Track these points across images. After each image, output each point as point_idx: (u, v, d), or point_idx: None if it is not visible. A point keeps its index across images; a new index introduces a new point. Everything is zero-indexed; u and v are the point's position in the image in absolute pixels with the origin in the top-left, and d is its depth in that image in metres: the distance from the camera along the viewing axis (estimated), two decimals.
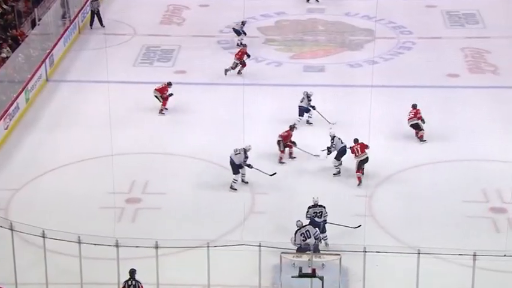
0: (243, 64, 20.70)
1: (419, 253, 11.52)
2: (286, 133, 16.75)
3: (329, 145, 16.14)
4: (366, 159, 15.66)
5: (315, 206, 13.58)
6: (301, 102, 18.10)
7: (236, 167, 15.49)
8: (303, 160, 16.46)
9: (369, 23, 23.89)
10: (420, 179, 15.78)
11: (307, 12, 25.18)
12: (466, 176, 15.78)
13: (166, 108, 18.92)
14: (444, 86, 19.85)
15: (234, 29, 23.04)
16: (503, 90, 19.46)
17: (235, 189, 15.41)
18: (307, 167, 16.22)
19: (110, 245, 11.69)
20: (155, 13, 25.32)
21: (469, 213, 14.46)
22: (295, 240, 12.86)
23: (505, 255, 11.58)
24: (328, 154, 16.19)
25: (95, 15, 24.00)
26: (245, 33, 22.82)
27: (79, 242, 11.71)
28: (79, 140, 17.45)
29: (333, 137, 16.09)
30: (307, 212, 13.58)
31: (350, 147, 15.85)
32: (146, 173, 16.08)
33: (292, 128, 16.89)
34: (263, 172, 15.39)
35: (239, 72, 20.73)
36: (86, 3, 24.63)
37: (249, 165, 15.41)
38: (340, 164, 15.90)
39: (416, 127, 17.13)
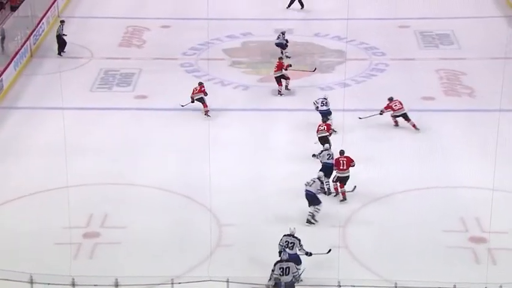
0: (287, 77, 21.10)
1: (396, 287, 11.53)
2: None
3: (316, 153, 16.64)
4: (347, 178, 15.97)
5: (289, 235, 13.67)
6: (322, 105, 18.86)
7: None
8: (273, 189, 16.46)
9: (340, 44, 24.16)
10: (396, 207, 15.87)
11: (275, 33, 25.32)
12: (443, 203, 15.92)
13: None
14: (419, 109, 20.10)
15: (276, 43, 23.16)
16: (479, 114, 19.76)
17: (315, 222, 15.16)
18: (277, 197, 16.20)
19: (65, 284, 11.51)
20: (114, 35, 25.29)
21: (447, 243, 14.56)
22: (273, 271, 12.82)
23: None
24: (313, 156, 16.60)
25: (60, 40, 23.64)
26: (287, 42, 23.18)
27: (31, 282, 11.49)
28: (31, 171, 17.22)
29: (324, 150, 16.54)
30: (281, 239, 13.69)
31: (335, 159, 16.14)
32: (105, 205, 15.90)
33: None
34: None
35: (287, 88, 21.14)
36: (38, 24, 24.50)
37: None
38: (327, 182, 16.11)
39: (406, 117, 18.52)
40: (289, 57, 22.81)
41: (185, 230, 15.13)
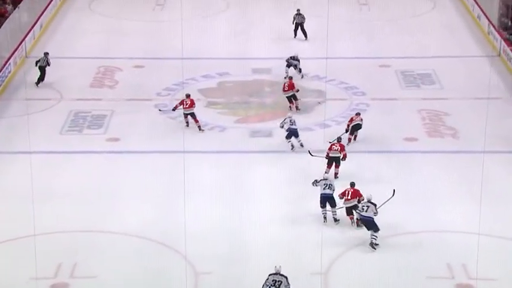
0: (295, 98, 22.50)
1: None
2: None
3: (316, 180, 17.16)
4: (355, 206, 16.51)
5: (276, 274, 13.82)
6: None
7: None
8: (252, 234, 16.39)
9: (319, 83, 24.35)
10: (380, 252, 15.85)
11: (253, 73, 25.56)
12: (428, 248, 15.94)
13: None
14: (401, 150, 20.24)
15: (288, 62, 24.72)
16: (463, 155, 19.92)
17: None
18: (257, 242, 16.12)
19: None
20: (85, 75, 25.29)
21: None
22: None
23: None
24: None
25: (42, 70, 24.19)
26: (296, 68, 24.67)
27: None
28: None
29: (321, 180, 17.02)
30: (267, 279, 13.77)
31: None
32: (74, 254, 15.71)
33: (291, 77, 22.61)
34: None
35: (297, 108, 22.41)
36: (4, 65, 24.44)
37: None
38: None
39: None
40: (290, 78, 23.61)
41: (160, 279, 14.96)
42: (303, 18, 28.30)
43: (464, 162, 19.45)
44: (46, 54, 24.64)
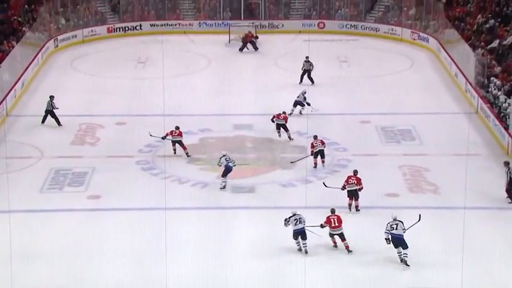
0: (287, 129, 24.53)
1: None
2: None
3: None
4: (341, 234, 17.68)
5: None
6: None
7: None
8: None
9: (301, 139, 24.39)
10: None
11: (234, 129, 25.58)
12: None
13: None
14: (383, 206, 20.19)
15: (296, 101, 26.33)
16: (445, 211, 19.90)
17: None
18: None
19: None
20: (66, 133, 25.14)
21: None
22: None
23: None
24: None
25: (49, 114, 25.40)
26: (309, 104, 25.95)
27: None
28: None
29: (291, 216, 17.74)
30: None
31: (327, 218, 17.76)
32: None
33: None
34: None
35: (290, 138, 24.41)
36: None
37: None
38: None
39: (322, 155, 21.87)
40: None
41: None
42: (311, 65, 29.82)
43: (446, 218, 19.40)
44: (51, 97, 25.67)
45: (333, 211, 17.96)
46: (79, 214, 19.85)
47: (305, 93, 26.46)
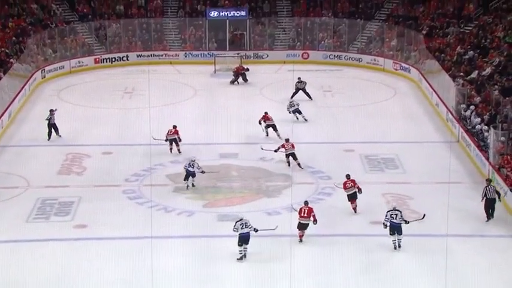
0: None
1: None
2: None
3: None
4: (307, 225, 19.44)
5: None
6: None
7: None
8: None
9: (286, 167, 24.43)
10: None
11: (220, 158, 25.55)
12: None
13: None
14: (367, 234, 20.15)
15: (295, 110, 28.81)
16: (428, 239, 19.86)
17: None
18: None
19: None
20: (52, 163, 25.00)
21: None
22: None
23: None
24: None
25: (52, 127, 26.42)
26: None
27: None
28: None
29: (237, 221, 18.55)
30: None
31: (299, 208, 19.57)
32: None
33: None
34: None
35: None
36: None
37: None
38: None
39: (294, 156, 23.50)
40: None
41: None
42: (304, 83, 31.91)
43: (429, 247, 19.35)
44: (51, 111, 27.07)
45: (306, 203, 19.67)
46: (65, 244, 19.65)
47: (294, 103, 29.05)
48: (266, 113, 27.22)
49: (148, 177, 23.54)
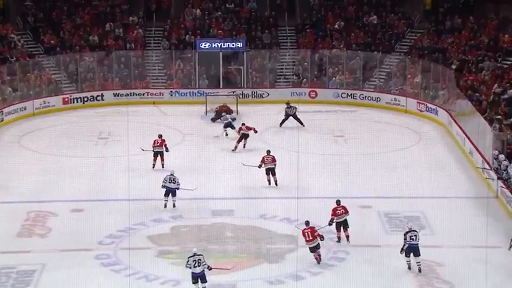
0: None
1: None
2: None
3: None
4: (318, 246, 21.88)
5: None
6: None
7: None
8: None
9: (290, 227, 24.31)
10: None
11: (212, 215, 25.47)
12: None
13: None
14: None
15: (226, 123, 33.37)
16: None
17: None
18: None
19: None
20: (10, 223, 24.85)
21: None
22: None
23: None
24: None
25: None
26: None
27: None
28: None
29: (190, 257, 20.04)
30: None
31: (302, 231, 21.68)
32: None
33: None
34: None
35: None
36: None
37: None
38: None
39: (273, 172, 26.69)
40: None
41: None
42: (295, 108, 34.67)
43: None
44: None
45: (307, 223, 21.83)
46: None
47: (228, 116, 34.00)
48: (243, 124, 32.22)
49: (126, 239, 23.43)
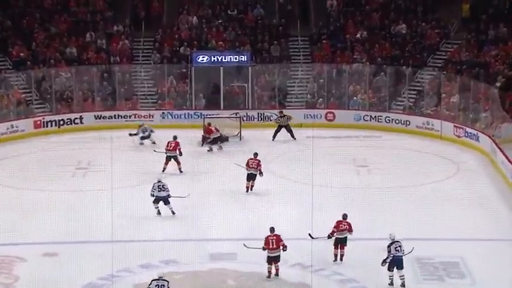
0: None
1: None
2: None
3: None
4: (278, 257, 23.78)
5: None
6: None
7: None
8: None
9: (304, 274, 24.26)
10: None
11: (210, 260, 25.41)
12: None
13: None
14: None
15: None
16: None
17: None
18: None
19: None
20: None
21: None
22: None
23: None
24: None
25: None
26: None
27: None
28: None
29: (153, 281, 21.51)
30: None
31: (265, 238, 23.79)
32: None
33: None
34: None
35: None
36: None
37: None
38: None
39: None
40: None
41: None
42: (289, 118, 36.93)
43: None
44: None
45: (272, 230, 23.99)
46: None
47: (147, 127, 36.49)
48: (209, 124, 35.49)
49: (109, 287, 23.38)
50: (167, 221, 27.94)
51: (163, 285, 21.20)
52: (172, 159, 32.69)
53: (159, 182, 28.34)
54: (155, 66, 42.92)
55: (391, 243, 23.04)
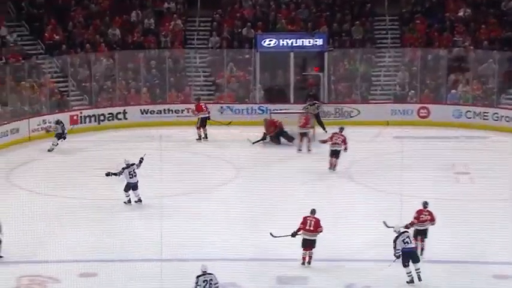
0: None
1: None
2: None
3: None
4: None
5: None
6: None
7: None
8: None
9: None
10: None
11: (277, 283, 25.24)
12: None
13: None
14: None
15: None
16: None
17: None
18: None
19: None
20: None
21: None
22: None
23: None
24: None
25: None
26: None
27: None
28: None
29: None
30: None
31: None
32: None
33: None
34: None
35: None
36: None
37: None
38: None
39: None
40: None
41: None
42: (319, 106, 38.08)
43: None
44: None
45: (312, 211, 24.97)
46: None
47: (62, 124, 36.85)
48: (199, 100, 38.43)
49: None
50: (226, 235, 27.75)
51: (212, 280, 21.96)
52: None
53: (128, 166, 30.10)
54: (212, 52, 42.88)
55: (397, 237, 23.76)
